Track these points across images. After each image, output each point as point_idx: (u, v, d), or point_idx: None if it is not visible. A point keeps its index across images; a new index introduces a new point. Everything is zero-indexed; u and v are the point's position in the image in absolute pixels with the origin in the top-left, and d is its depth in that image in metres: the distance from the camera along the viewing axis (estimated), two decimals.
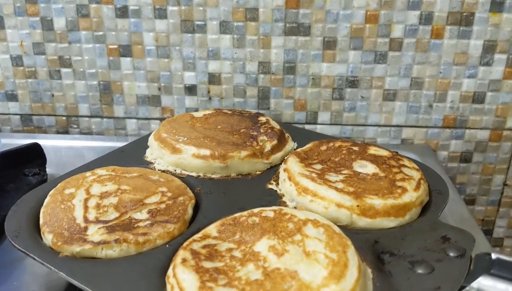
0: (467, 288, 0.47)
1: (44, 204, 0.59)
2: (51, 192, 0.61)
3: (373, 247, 0.55)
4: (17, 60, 0.94)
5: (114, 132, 0.99)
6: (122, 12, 0.89)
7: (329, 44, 0.90)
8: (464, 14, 0.87)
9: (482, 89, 0.92)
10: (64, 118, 0.98)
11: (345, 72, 0.92)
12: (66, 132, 0.99)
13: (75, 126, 0.99)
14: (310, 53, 0.91)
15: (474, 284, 0.47)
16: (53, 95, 0.97)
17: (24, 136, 0.97)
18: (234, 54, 0.91)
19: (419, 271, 0.51)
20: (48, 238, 0.54)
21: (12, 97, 0.97)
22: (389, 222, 0.58)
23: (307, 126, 0.96)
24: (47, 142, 0.92)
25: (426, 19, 0.87)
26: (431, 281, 0.49)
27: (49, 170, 0.81)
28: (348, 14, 0.88)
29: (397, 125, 0.96)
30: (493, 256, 0.49)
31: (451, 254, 0.53)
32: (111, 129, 0.99)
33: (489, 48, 0.89)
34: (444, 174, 0.87)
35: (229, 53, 0.91)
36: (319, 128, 0.96)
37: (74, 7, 0.90)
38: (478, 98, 0.92)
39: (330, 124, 0.96)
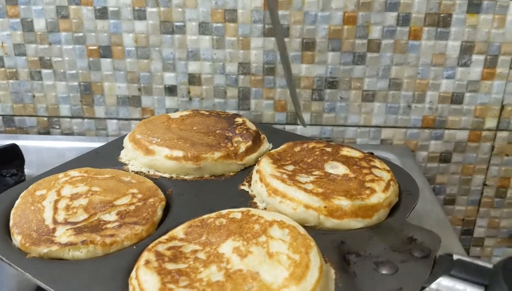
0: (427, 289, 0.48)
1: (15, 205, 0.60)
2: (22, 194, 0.61)
3: (339, 248, 0.55)
4: None
5: (95, 133, 0.99)
6: (102, 13, 0.90)
7: (308, 45, 0.90)
8: (442, 15, 0.87)
9: (460, 90, 0.92)
10: (45, 119, 0.99)
11: (324, 73, 0.92)
12: (47, 133, 1.00)
13: (56, 127, 0.99)
14: (289, 54, 0.91)
15: (434, 285, 0.48)
16: (34, 96, 0.97)
17: (6, 137, 0.97)
18: (213, 55, 0.92)
19: (383, 271, 0.52)
20: (17, 239, 0.54)
21: None
22: (357, 223, 0.58)
23: (288, 127, 0.97)
24: (28, 143, 0.92)
25: (404, 20, 0.88)
26: (394, 282, 0.50)
27: (30, 170, 0.82)
28: (326, 16, 0.88)
29: (376, 126, 0.96)
30: (454, 257, 0.50)
31: (416, 255, 0.54)
32: (92, 130, 0.99)
33: (467, 49, 0.89)
34: (421, 174, 0.88)
35: (209, 54, 0.92)
36: (299, 129, 0.97)
37: (54, 8, 0.90)
38: (456, 99, 0.93)
39: (310, 125, 0.96)
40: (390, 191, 0.62)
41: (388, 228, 0.59)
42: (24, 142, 0.86)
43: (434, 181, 0.99)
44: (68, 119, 0.98)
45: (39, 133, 1.00)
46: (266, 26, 0.89)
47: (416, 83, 0.92)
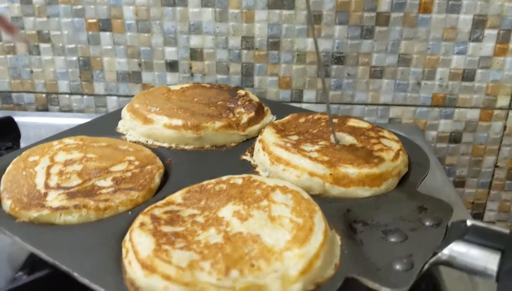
0: (439, 254, 0.45)
1: (6, 171, 0.57)
2: (14, 160, 0.59)
3: (345, 216, 0.52)
4: None
5: (94, 110, 0.97)
6: None
7: (314, 18, 0.87)
8: None
9: (472, 67, 0.89)
10: (43, 95, 0.96)
11: (330, 48, 0.89)
12: (46, 110, 0.97)
13: (55, 104, 0.97)
14: (295, 28, 0.88)
15: (446, 251, 0.44)
16: (32, 71, 0.95)
17: (3, 113, 0.94)
18: (216, 29, 0.89)
19: (392, 239, 0.49)
20: (6, 203, 0.52)
21: None
22: (364, 191, 0.56)
23: (293, 105, 0.93)
24: (26, 119, 0.90)
25: None
26: (403, 249, 0.47)
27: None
28: None
29: (384, 104, 0.93)
30: (468, 222, 0.47)
31: (427, 224, 0.51)
32: (92, 107, 0.96)
33: (479, 23, 0.86)
34: (432, 154, 0.85)
35: (211, 27, 0.89)
36: (304, 107, 0.93)
37: None
38: (467, 75, 0.90)
39: (316, 102, 0.94)
40: (400, 160, 0.59)
41: (397, 197, 0.56)
42: (22, 119, 0.84)
43: (443, 161, 0.96)
44: (67, 96, 0.96)
45: (37, 110, 0.97)
46: None
47: (426, 59, 0.89)
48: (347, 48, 0.89)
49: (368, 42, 0.88)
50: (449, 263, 0.45)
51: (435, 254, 0.45)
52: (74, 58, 0.93)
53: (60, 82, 0.95)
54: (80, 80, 0.94)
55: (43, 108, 0.97)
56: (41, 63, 0.94)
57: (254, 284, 0.40)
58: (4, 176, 0.56)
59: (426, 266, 0.45)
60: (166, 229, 0.46)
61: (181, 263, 0.41)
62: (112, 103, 0.96)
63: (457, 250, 0.44)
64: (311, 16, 0.52)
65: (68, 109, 0.97)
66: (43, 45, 0.92)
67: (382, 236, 0.49)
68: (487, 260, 0.43)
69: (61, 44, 0.92)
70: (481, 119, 0.93)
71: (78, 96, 0.96)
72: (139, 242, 0.44)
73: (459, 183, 0.98)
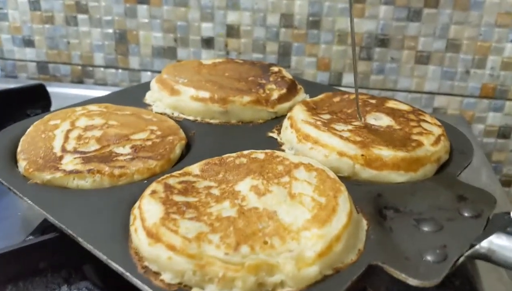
0: (477, 246, 0.40)
1: (26, 133, 0.56)
2: (35, 123, 0.58)
3: (375, 201, 0.48)
4: (34, 4, 0.92)
5: (129, 85, 0.95)
6: None
7: None
8: None
9: None
10: (79, 68, 0.96)
11: (374, 29, 0.84)
12: (81, 82, 0.97)
13: (90, 76, 0.96)
14: (337, 6, 0.83)
15: (484, 243, 0.40)
16: (69, 42, 0.94)
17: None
18: (254, 5, 0.85)
19: (425, 229, 0.44)
20: (21, 165, 0.51)
21: (29, 43, 0.95)
22: (398, 176, 0.51)
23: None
24: (61, 90, 0.90)
25: None
26: (437, 240, 0.42)
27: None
28: None
29: (430, 92, 0.87)
30: None
31: (466, 214, 0.46)
32: (126, 81, 0.95)
33: None
34: (479, 149, 0.78)
35: (249, 3, 0.85)
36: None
37: None
38: None
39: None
40: (440, 146, 0.54)
41: (435, 184, 0.51)
42: (56, 89, 0.84)
43: (489, 158, 0.89)
44: (102, 69, 0.95)
45: (73, 82, 0.97)
46: None
47: (477, 45, 0.83)
48: (391, 30, 0.84)
49: (415, 25, 0.83)
50: (488, 257, 0.40)
51: (472, 246, 0.40)
52: (111, 30, 0.92)
53: (96, 54, 0.94)
54: (116, 54, 0.93)
55: (78, 80, 0.97)
56: (78, 35, 0.93)
57: (265, 262, 0.36)
58: (23, 138, 0.55)
59: (462, 259, 0.40)
60: (178, 198, 0.43)
61: (188, 233, 0.38)
62: (146, 78, 0.94)
63: (498, 242, 0.39)
64: None
65: (103, 83, 0.96)
66: (80, 16, 0.92)
67: (414, 224, 0.45)
68: None
69: (98, 16, 0.91)
70: None
71: (113, 70, 0.95)
72: (147, 209, 0.41)
73: (506, 182, 0.91)
